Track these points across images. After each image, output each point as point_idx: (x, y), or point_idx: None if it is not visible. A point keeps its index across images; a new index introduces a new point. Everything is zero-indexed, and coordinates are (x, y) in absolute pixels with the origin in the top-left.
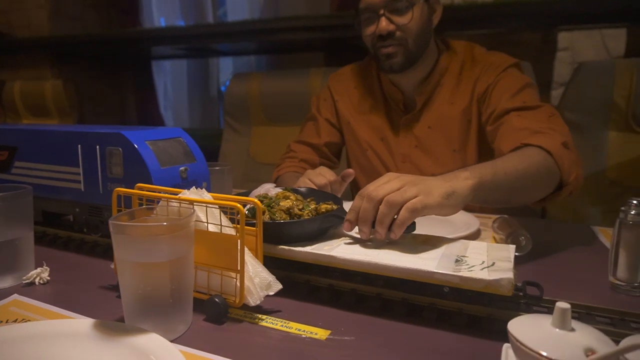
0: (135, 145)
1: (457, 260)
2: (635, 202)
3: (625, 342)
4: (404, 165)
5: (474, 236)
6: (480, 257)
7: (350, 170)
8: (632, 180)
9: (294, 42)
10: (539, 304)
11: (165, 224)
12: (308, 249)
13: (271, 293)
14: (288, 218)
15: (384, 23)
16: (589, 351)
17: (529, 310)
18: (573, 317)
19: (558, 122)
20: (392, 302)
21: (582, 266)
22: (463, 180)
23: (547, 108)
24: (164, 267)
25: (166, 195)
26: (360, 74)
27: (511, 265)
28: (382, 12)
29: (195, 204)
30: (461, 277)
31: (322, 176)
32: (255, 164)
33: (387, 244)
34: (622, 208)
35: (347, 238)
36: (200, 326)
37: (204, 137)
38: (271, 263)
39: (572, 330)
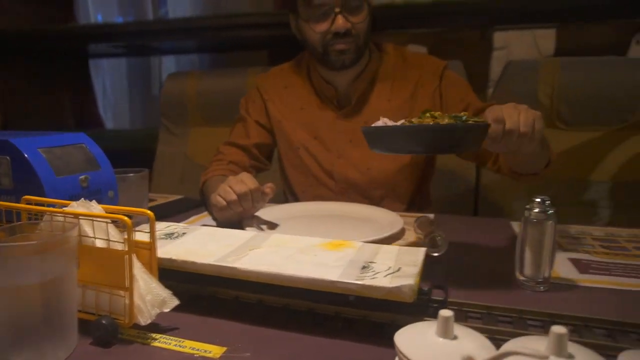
0: (25, 154)
1: (364, 267)
2: (538, 200)
3: (504, 348)
4: (339, 160)
5: (398, 236)
6: (388, 263)
7: (268, 190)
8: (557, 173)
9: (238, 40)
10: (445, 307)
11: (34, 242)
12: (211, 260)
13: (166, 310)
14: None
15: (341, 21)
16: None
17: (436, 314)
18: (476, 317)
19: None
20: (298, 313)
21: (496, 263)
22: None
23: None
24: (34, 290)
25: (49, 209)
26: (290, 73)
27: (417, 270)
28: (338, 9)
29: (80, 217)
30: (363, 286)
31: (244, 184)
32: (193, 166)
33: (298, 252)
34: (527, 206)
35: (257, 247)
36: (85, 351)
37: (145, 139)
38: (175, 276)
39: (455, 338)
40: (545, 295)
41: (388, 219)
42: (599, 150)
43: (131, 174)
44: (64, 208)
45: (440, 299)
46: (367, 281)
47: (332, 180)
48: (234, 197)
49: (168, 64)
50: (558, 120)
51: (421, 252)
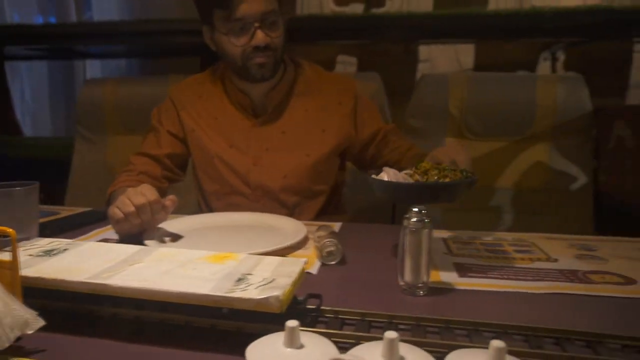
0: None
1: (239, 279)
2: (416, 210)
3: (353, 351)
4: (255, 168)
5: (301, 244)
6: (264, 274)
7: (169, 203)
8: None
9: (168, 46)
10: (323, 315)
11: None
12: (83, 277)
13: (29, 332)
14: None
15: (260, 36)
16: None
17: (313, 323)
18: (351, 324)
19: None
20: (176, 327)
21: (386, 271)
22: None
23: (396, 128)
24: None
25: None
26: (204, 83)
27: (290, 280)
28: (257, 24)
29: None
30: (232, 298)
31: (142, 195)
32: (113, 176)
33: (178, 266)
34: (406, 216)
35: (138, 262)
36: None
37: (68, 147)
38: (50, 295)
39: (302, 347)
40: (423, 299)
41: (293, 228)
42: (502, 159)
43: (18, 188)
44: None
45: (313, 307)
46: (237, 293)
47: (248, 188)
48: (132, 209)
49: (94, 68)
50: (467, 131)
51: (300, 263)
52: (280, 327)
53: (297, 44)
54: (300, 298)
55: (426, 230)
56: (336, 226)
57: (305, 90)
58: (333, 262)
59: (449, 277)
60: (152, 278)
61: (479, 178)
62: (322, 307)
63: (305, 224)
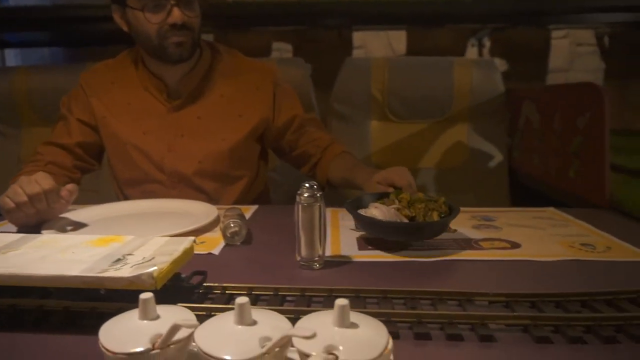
0: None
1: (117, 260)
2: (307, 185)
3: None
4: (170, 154)
5: (211, 227)
6: (145, 254)
7: (65, 192)
8: (392, 162)
9: (92, 34)
10: (211, 292)
11: None
12: None
13: None
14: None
15: (177, 13)
16: (156, 338)
17: (201, 299)
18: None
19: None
20: (55, 313)
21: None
22: None
23: (318, 119)
24: None
25: None
26: (117, 68)
27: (170, 258)
28: (174, 1)
29: None
30: (103, 278)
31: (37, 184)
32: None
33: (57, 251)
34: (298, 192)
35: (14, 250)
36: None
37: None
38: None
39: (157, 318)
40: (317, 272)
41: (204, 212)
42: (424, 141)
43: None
44: None
45: (194, 284)
46: (110, 273)
47: (163, 175)
48: (24, 198)
49: (14, 58)
50: (390, 114)
51: (186, 241)
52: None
53: (231, 31)
54: (184, 275)
55: (318, 205)
56: (251, 209)
57: (222, 75)
58: (237, 243)
59: (349, 250)
60: (24, 264)
61: (408, 165)
62: (209, 284)
63: (219, 208)
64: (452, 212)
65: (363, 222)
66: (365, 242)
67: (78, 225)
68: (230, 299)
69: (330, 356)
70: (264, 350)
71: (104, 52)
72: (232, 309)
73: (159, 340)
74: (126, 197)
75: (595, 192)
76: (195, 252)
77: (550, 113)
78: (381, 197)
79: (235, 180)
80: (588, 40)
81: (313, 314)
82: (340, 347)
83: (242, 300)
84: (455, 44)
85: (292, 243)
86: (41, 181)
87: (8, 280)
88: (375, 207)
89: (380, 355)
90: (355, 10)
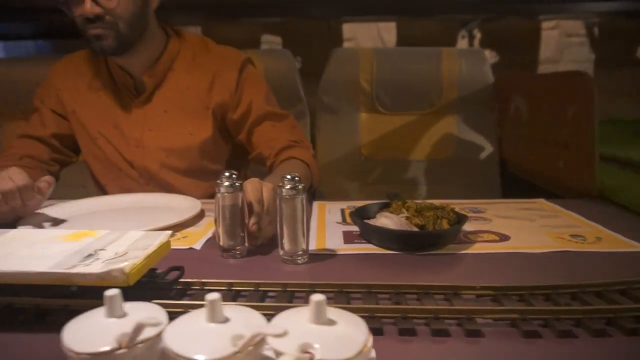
0: None
1: (89, 255)
2: (289, 177)
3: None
4: (137, 149)
5: (195, 220)
6: (118, 249)
7: (43, 185)
8: (382, 154)
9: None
10: (190, 287)
11: None
12: None
13: None
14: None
15: (88, 5)
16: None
17: (180, 295)
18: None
19: (300, 133)
20: (25, 311)
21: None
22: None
23: (290, 119)
24: None
25: None
26: (85, 60)
27: (144, 253)
28: None
29: None
30: (71, 274)
31: (10, 180)
32: None
33: (24, 246)
34: (280, 184)
35: None
36: None
37: None
38: None
39: (124, 315)
40: (301, 267)
41: (188, 206)
42: (413, 132)
43: None
44: None
45: (170, 280)
46: (79, 269)
47: (134, 171)
48: None
49: None
50: (379, 105)
51: (161, 235)
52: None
53: (219, 23)
54: (159, 271)
55: (300, 197)
56: None
57: (188, 65)
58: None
59: (334, 244)
60: None
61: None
62: (187, 280)
63: (204, 203)
64: (460, 219)
65: (374, 233)
66: (351, 236)
67: (56, 221)
68: (203, 291)
69: (306, 355)
70: (236, 349)
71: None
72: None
73: (126, 339)
74: (104, 193)
75: (584, 182)
76: (176, 246)
77: (539, 103)
78: (386, 206)
79: (209, 176)
80: (578, 30)
81: (290, 310)
82: (316, 345)
83: (213, 296)
84: (445, 36)
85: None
86: (14, 177)
87: None
88: (386, 217)
89: (359, 352)
90: (344, 0)
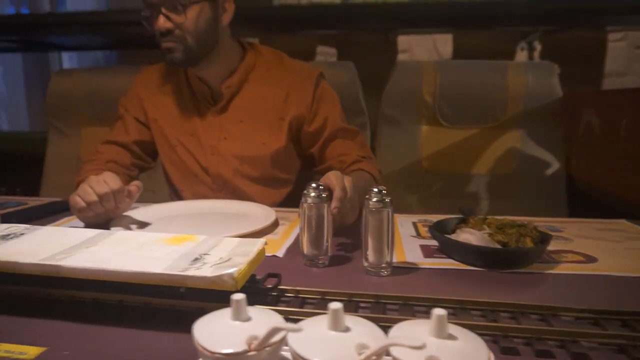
0: None
1: (195, 259)
2: (376, 190)
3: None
4: (213, 157)
5: (269, 230)
6: (221, 254)
7: (134, 188)
8: (442, 168)
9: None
10: (284, 294)
11: None
12: (35, 259)
13: None
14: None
15: (161, 20)
16: (252, 339)
17: (275, 302)
18: (312, 303)
19: (369, 150)
20: (133, 308)
21: (354, 252)
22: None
23: (361, 137)
24: None
25: None
26: (166, 71)
27: (246, 259)
28: (162, 9)
29: None
30: (185, 276)
31: (105, 184)
32: None
33: (134, 248)
34: (366, 196)
35: (94, 245)
36: None
37: (43, 141)
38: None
39: (248, 319)
40: (386, 279)
41: (262, 214)
42: (476, 146)
43: None
44: None
45: (270, 286)
46: (191, 272)
47: (209, 177)
48: (94, 198)
49: (70, 61)
50: (441, 118)
51: (258, 242)
52: None
53: (276, 34)
54: (259, 277)
55: (387, 210)
56: None
57: (263, 77)
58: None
59: (415, 257)
60: (107, 259)
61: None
62: (283, 287)
63: (277, 211)
64: (544, 238)
65: (456, 248)
66: (430, 250)
67: (142, 224)
68: (304, 302)
69: None
70: (361, 357)
71: (153, 54)
72: (307, 313)
73: (255, 342)
74: (178, 196)
75: None
76: None
77: (616, 119)
78: (462, 221)
79: (280, 184)
80: None
81: (406, 323)
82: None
83: (335, 305)
84: (503, 48)
85: (355, 247)
86: (109, 181)
87: (95, 274)
88: (469, 233)
89: None
90: (401, 13)
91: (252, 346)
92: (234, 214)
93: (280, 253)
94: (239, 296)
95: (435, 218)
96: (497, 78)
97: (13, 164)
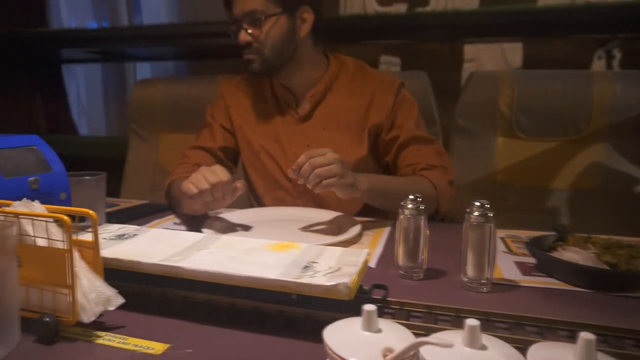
0: None
1: (305, 267)
2: (478, 204)
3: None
4: None
5: (354, 240)
6: (330, 263)
7: (240, 185)
8: (518, 181)
9: (215, 48)
10: (389, 306)
11: None
12: (156, 260)
13: (111, 308)
14: None
15: (242, 34)
16: (387, 351)
17: (380, 314)
18: (416, 316)
19: (447, 159)
20: (243, 311)
21: (447, 266)
22: (361, 183)
23: (437, 145)
24: None
25: None
26: (252, 81)
27: (356, 269)
28: (242, 24)
29: (20, 216)
30: (301, 284)
31: (216, 174)
32: (164, 173)
33: (243, 252)
34: (467, 210)
35: (205, 248)
36: (27, 347)
37: (121, 146)
38: (124, 276)
39: (379, 331)
40: (487, 295)
41: (347, 223)
42: (557, 160)
43: (87, 177)
44: (4, 207)
45: (379, 297)
46: (306, 279)
47: (290, 183)
48: (207, 185)
49: (143, 70)
50: (518, 130)
51: (362, 253)
52: (346, 315)
53: (340, 44)
54: (366, 288)
55: (489, 225)
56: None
57: (347, 87)
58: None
59: (512, 274)
60: (221, 262)
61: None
62: (388, 299)
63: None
64: None
65: (560, 267)
66: (527, 267)
67: (231, 228)
68: (409, 315)
69: None
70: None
71: (222, 64)
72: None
73: (391, 355)
74: (259, 201)
75: None
76: None
77: None
78: (559, 239)
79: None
80: None
81: (543, 344)
82: None
83: (472, 322)
84: (578, 56)
85: (449, 261)
86: (219, 172)
87: (214, 277)
88: (575, 252)
89: None
90: (469, 22)
91: (388, 358)
92: (316, 221)
93: (372, 264)
94: (370, 307)
95: (522, 234)
96: (582, 88)
97: (94, 167)
